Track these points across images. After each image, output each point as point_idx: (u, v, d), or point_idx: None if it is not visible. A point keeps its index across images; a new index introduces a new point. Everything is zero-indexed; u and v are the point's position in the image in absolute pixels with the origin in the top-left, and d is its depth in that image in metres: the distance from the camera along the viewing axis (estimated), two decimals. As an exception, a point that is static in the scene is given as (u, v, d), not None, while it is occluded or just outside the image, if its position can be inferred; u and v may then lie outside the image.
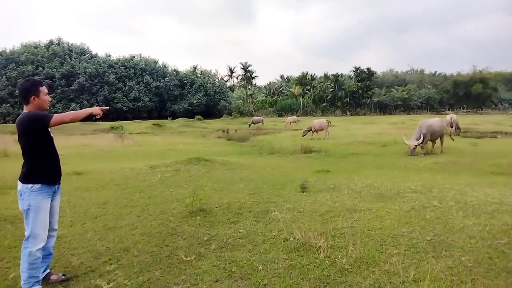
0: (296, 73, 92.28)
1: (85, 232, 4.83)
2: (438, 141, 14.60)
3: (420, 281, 3.18)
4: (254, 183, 7.98)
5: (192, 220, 5.24)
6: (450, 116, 24.01)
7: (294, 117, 40.20)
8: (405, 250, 3.87)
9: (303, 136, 21.73)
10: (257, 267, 3.63)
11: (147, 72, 63.13)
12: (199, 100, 64.20)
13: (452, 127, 23.01)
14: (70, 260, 3.92)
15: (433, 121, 14.49)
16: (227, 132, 33.65)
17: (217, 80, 72.36)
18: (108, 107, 3.61)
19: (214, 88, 66.94)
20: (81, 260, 3.92)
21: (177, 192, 7.13)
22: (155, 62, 67.93)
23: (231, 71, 79.61)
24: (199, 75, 71.06)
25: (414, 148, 13.40)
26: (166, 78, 65.24)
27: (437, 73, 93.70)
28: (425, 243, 4.07)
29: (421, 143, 13.52)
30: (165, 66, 69.60)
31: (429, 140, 14.09)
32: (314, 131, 21.56)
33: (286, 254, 3.91)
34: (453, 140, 16.09)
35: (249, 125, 38.29)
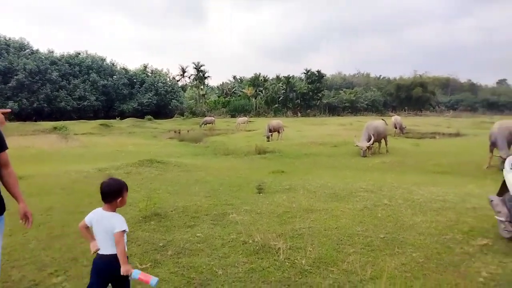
0: (248, 74, 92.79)
1: (27, 242, 4.45)
2: (382, 142, 15.39)
3: (377, 278, 3.29)
4: (210, 185, 7.86)
5: (146, 225, 5.03)
6: (395, 118, 25.40)
7: (245, 118, 40.35)
8: (361, 249, 3.99)
9: (268, 141, 20.20)
10: (216, 272, 3.55)
11: (94, 70, 60.11)
12: (150, 100, 62.27)
13: (396, 128, 24.34)
14: (9, 273, 3.58)
15: (378, 123, 15.28)
16: (179, 132, 32.95)
17: (168, 79, 70.63)
18: (9, 110, 3.29)
19: (165, 87, 65.26)
20: (23, 273, 3.60)
21: (129, 196, 6.70)
22: (103, 60, 64.89)
23: (183, 71, 78.26)
24: (150, 74, 68.95)
25: (366, 149, 13.96)
26: (115, 76, 62.52)
27: (381, 77, 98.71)
28: (379, 241, 4.22)
29: (371, 144, 14.14)
30: (113, 64, 66.69)
31: (375, 141, 14.78)
32: (273, 131, 21.64)
33: (246, 258, 3.86)
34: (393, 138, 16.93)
35: (201, 125, 37.90)
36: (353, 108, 74.26)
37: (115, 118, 48.16)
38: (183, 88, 77.02)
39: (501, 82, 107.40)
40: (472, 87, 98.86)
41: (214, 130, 35.44)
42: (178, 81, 76.54)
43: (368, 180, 8.05)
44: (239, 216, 5.32)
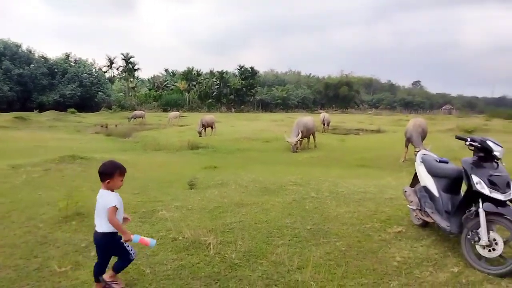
0: (181, 68, 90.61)
1: None
2: (311, 137, 16.09)
3: (303, 268, 3.42)
4: (138, 181, 7.55)
5: (66, 225, 4.69)
6: (323, 115, 26.67)
7: (177, 112, 39.49)
8: (289, 240, 4.13)
9: (200, 136, 19.96)
10: (144, 271, 3.42)
11: (7, 57, 54.36)
12: (73, 92, 57.94)
13: (324, 124, 25.56)
14: None
15: (307, 119, 15.95)
16: (106, 127, 31.19)
17: (94, 70, 66.33)
18: None
19: (90, 79, 61.18)
20: None
21: (47, 194, 6.30)
22: (18, 46, 58.90)
23: (111, 62, 74.10)
24: (73, 64, 64.11)
25: (295, 144, 14.45)
26: (32, 65, 57.15)
27: (311, 75, 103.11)
28: (306, 232, 4.40)
29: (301, 139, 14.69)
30: (30, 52, 60.90)
31: (304, 137, 15.40)
32: (206, 127, 21.41)
33: (175, 254, 3.78)
34: (321, 133, 17.73)
35: (130, 119, 36.30)
36: (285, 105, 76.45)
37: (33, 111, 44.03)
38: (111, 80, 72.91)
39: (416, 83, 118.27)
40: (392, 88, 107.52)
41: (144, 124, 34.14)
42: (105, 72, 72.26)
43: (297, 174, 8.33)
44: (169, 212, 5.18)
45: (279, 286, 3.15)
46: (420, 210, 4.34)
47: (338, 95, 79.75)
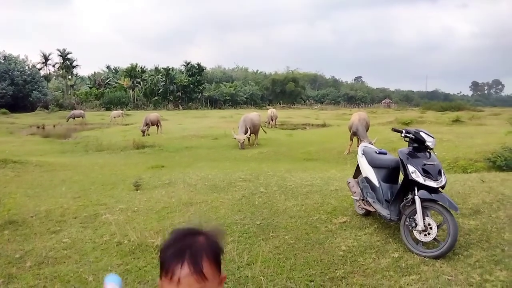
0: (124, 64, 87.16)
1: None
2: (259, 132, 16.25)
3: (253, 263, 3.43)
4: (79, 185, 7.14)
5: (-3, 236, 4.30)
6: (271, 111, 27.01)
7: (119, 111, 37.84)
8: (239, 237, 4.12)
9: (144, 135, 19.16)
10: (86, 279, 3.24)
11: None
12: (4, 91, 53.31)
13: (272, 120, 25.91)
14: None
15: (253, 115, 16.05)
16: (43, 128, 29.12)
17: (27, 67, 61.53)
18: None
19: (23, 76, 56.63)
20: None
21: (-26, 203, 5.74)
22: None
23: (46, 58, 68.94)
24: (3, 61, 58.98)
25: (243, 141, 14.47)
26: (-47, 62, 51.79)
27: (258, 72, 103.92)
28: (255, 227, 4.42)
29: (249, 136, 14.75)
30: (-50, 46, 54.98)
31: (252, 133, 15.50)
32: (151, 125, 20.72)
33: (120, 259, 3.62)
34: (265, 132, 17.63)
35: (68, 119, 34.31)
36: (233, 101, 76.37)
37: (-44, 112, 39.93)
38: (47, 77, 68.03)
39: (358, 79, 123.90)
40: (335, 83, 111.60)
41: (85, 124, 32.38)
42: (40, 69, 67.27)
43: (246, 170, 8.36)
44: (113, 216, 4.95)
45: (229, 283, 3.13)
46: (362, 200, 4.53)
47: (285, 91, 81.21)
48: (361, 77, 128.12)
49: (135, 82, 69.52)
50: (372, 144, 5.18)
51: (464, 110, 33.51)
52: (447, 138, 13.78)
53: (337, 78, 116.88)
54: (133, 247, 3.85)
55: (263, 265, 3.39)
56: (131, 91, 68.62)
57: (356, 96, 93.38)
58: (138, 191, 6.48)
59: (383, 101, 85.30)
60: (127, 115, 39.23)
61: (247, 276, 3.22)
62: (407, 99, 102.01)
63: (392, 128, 4.44)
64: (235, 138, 14.73)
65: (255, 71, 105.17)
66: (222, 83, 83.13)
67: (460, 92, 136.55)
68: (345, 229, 4.30)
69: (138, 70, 71.08)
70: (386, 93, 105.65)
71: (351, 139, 12.16)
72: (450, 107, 37.33)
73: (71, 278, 3.26)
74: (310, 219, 4.70)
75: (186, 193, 6.17)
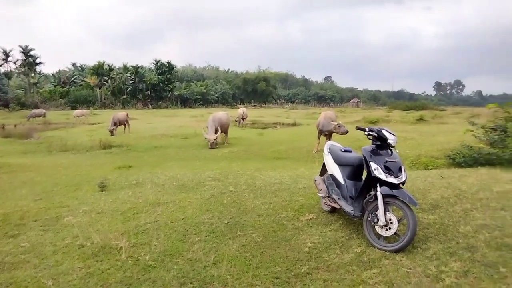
0: (91, 62, 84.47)
1: None
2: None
3: (219, 262, 3.43)
4: (41, 186, 6.87)
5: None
6: (242, 110, 27.01)
7: (83, 110, 36.67)
8: (206, 236, 4.11)
9: (112, 135, 18.56)
10: (45, 283, 3.13)
11: None
12: (-41, 88, 50.50)
13: (243, 119, 25.92)
14: None
15: (222, 114, 16.01)
16: (3, 127, 27.79)
17: (-15, 64, 58.43)
18: None
19: (-19, 73, 53.82)
20: None
21: None
22: None
23: (6, 55, 65.71)
24: (-42, 57, 55.71)
25: (214, 141, 14.38)
26: None
27: (230, 71, 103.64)
28: (223, 226, 4.42)
29: (219, 135, 14.68)
30: None
31: (221, 132, 15.44)
32: (119, 125, 20.18)
33: (82, 262, 3.52)
34: (239, 127, 17.95)
35: (28, 118, 32.96)
36: (204, 100, 75.73)
37: None
38: (8, 75, 64.92)
39: (327, 78, 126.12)
40: (306, 83, 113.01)
41: (49, 124, 31.15)
42: (-1, 66, 64.05)
43: (216, 169, 8.33)
44: (76, 218, 4.81)
45: (195, 283, 3.12)
46: (328, 197, 4.63)
47: (256, 90, 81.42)
48: (331, 76, 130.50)
49: (102, 80, 67.53)
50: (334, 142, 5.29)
51: (427, 110, 34.87)
52: (411, 137, 14.29)
53: (308, 78, 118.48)
54: (96, 250, 3.75)
55: (229, 263, 3.40)
56: (98, 89, 66.62)
57: (326, 95, 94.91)
58: (104, 192, 6.32)
59: (352, 101, 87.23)
60: (94, 114, 38.09)
61: (213, 276, 3.21)
62: (374, 98, 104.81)
63: (356, 127, 4.55)
64: (205, 138, 14.64)
65: (226, 70, 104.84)
66: (193, 82, 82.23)
67: (424, 92, 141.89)
68: (311, 226, 4.37)
69: (106, 68, 69.11)
70: (354, 93, 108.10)
71: (319, 138, 12.36)
72: (414, 106, 38.72)
73: (29, 284, 3.14)
74: (277, 216, 4.75)
75: (154, 193, 6.07)
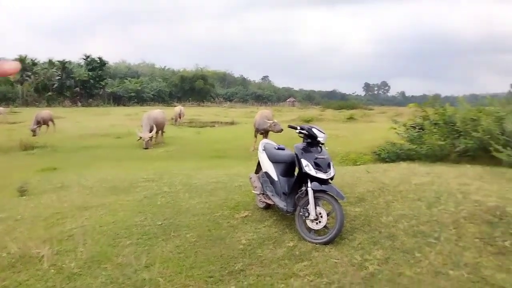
0: (11, 55, 76.95)
1: None
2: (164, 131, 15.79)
3: (152, 265, 3.33)
4: None
5: None
6: (179, 108, 26.46)
7: (0, 108, 33.43)
8: (138, 239, 3.96)
9: (34, 135, 16.89)
10: (-50, 302, 2.80)
11: None
12: None
13: (180, 118, 25.42)
14: None
15: (157, 112, 15.55)
16: None
17: None
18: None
19: None
20: None
21: None
22: None
23: None
24: None
25: (149, 140, 13.88)
26: None
27: (166, 68, 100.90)
28: (156, 228, 4.30)
29: (154, 134, 14.22)
30: None
31: (157, 131, 14.99)
32: (43, 124, 18.57)
33: (-4, 275, 3.21)
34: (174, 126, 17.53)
35: None
36: (139, 98, 72.90)
37: None
38: None
39: (265, 78, 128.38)
40: (244, 82, 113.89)
41: (-40, 123, 27.85)
42: None
43: (150, 170, 8.08)
44: (-10, 226, 4.37)
45: (125, 288, 3.00)
46: (263, 194, 4.72)
47: (194, 88, 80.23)
48: (268, 76, 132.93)
49: (24, 75, 61.96)
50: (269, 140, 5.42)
51: (357, 109, 37.09)
52: (342, 134, 15.09)
53: (246, 77, 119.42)
54: (14, 260, 3.45)
55: (162, 265, 3.32)
56: (19, 85, 61.00)
57: (264, 94, 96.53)
58: (24, 197, 5.82)
59: (288, 100, 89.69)
60: (14, 112, 34.88)
61: (145, 279, 3.12)
62: (309, 98, 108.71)
63: (288, 125, 4.70)
64: (140, 137, 14.09)
65: (162, 67, 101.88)
66: (127, 79, 78.72)
67: (355, 92, 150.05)
68: (246, 223, 4.42)
69: (28, 63, 63.46)
70: (291, 92, 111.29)
71: (255, 136, 12.54)
72: (346, 106, 40.93)
73: None
74: (213, 215, 4.73)
75: (81, 197, 5.73)
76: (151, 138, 13.97)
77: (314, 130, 4.17)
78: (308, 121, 21.68)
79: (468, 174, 5.78)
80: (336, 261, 3.34)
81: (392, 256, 3.37)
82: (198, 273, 3.21)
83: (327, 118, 25.65)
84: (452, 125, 7.83)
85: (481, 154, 7.18)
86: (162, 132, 15.50)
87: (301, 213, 3.98)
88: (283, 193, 4.42)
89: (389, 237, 3.73)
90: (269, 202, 4.58)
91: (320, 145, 4.22)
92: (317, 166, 3.96)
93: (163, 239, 3.97)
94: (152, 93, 76.31)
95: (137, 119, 25.19)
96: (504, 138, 6.94)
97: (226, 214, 4.78)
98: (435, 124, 8.20)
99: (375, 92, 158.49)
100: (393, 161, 8.26)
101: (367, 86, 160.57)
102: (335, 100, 66.08)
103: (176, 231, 4.20)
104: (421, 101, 10.31)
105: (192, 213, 4.83)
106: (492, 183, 5.20)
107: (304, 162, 3.99)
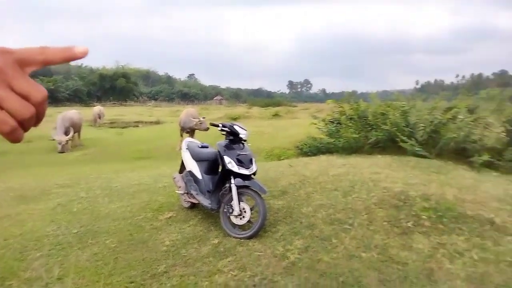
0: None
1: None
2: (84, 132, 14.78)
3: (65, 277, 3.10)
4: None
5: None
6: (99, 108, 24.91)
7: None
8: (49, 250, 3.66)
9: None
10: None
11: None
12: None
13: (99, 118, 23.96)
14: None
15: (73, 113, 14.48)
16: None
17: None
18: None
19: None
20: None
21: None
22: None
23: None
24: None
25: (65, 143, 12.84)
26: None
27: (83, 66, 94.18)
28: (71, 237, 4.00)
29: (71, 137, 13.20)
30: None
31: (74, 133, 13.96)
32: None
33: None
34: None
35: None
36: (53, 98, 66.98)
37: None
38: None
39: (191, 76, 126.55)
40: (169, 80, 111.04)
41: None
42: None
43: (65, 175, 7.50)
44: None
45: (34, 305, 2.75)
46: (187, 193, 4.66)
47: (115, 87, 76.03)
48: (194, 74, 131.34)
49: None
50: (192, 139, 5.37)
51: (282, 106, 38.27)
52: (267, 131, 15.48)
53: (171, 75, 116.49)
54: None
55: (77, 276, 3.11)
56: None
57: (190, 93, 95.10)
58: None
59: (215, 98, 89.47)
60: None
61: (57, 292, 2.89)
62: (236, 96, 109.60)
63: (210, 123, 4.69)
64: (54, 139, 12.94)
65: (79, 65, 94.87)
66: (38, 77, 71.95)
67: (280, 90, 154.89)
68: (170, 224, 4.33)
69: None
70: (218, 90, 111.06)
71: (181, 135, 12.32)
72: (271, 103, 42.15)
73: None
74: (135, 219, 4.55)
75: (-18, 209, 5.11)
76: (67, 141, 12.94)
77: (236, 127, 4.21)
78: (235, 119, 21.86)
79: (379, 164, 6.30)
80: (259, 253, 3.42)
81: (312, 244, 3.55)
82: (117, 280, 3.07)
83: (253, 115, 26.10)
84: (365, 119, 8.46)
85: (390, 145, 7.87)
86: (79, 134, 14.47)
87: (225, 210, 4.00)
88: (208, 191, 4.41)
89: (309, 227, 3.92)
90: (194, 201, 4.53)
91: (243, 141, 4.28)
92: (239, 162, 4.02)
93: (79, 247, 3.72)
94: (68, 92, 70.77)
95: (51, 121, 23.16)
96: (408, 130, 7.69)
97: (149, 216, 4.62)
98: (351, 118, 8.79)
99: (299, 90, 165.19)
100: (314, 154, 8.69)
101: (291, 84, 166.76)
102: (261, 98, 67.64)
103: (94, 238, 3.95)
104: (340, 97, 10.96)
105: (112, 218, 4.59)
106: (399, 171, 5.74)
107: (227, 159, 4.01)
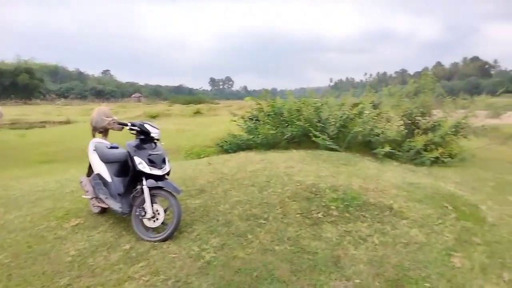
0: None
1: None
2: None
3: None
4: None
5: None
6: (-5, 107, 22.19)
7: None
8: None
9: None
10: None
11: None
12: None
13: (-2, 119, 21.36)
14: None
15: None
16: None
17: None
18: None
19: None
20: None
21: None
22: None
23: None
24: None
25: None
26: None
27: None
28: (-46, 255, 3.48)
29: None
30: None
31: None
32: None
33: None
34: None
35: None
36: None
37: None
38: None
39: (106, 72, 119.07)
40: (81, 76, 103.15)
41: None
42: None
43: (-50, 184, 6.52)
44: None
45: None
46: (96, 198, 4.35)
47: (17, 83, 68.29)
48: (109, 70, 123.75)
49: None
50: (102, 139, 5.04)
51: (204, 103, 38.04)
52: (189, 129, 15.24)
53: (83, 71, 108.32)
54: None
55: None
56: None
57: (105, 90, 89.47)
58: None
59: (133, 96, 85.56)
60: None
61: None
62: (156, 93, 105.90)
63: (118, 122, 4.43)
64: None
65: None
66: None
67: (202, 87, 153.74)
68: (77, 232, 4.00)
69: None
70: (136, 88, 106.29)
71: (94, 136, 11.50)
72: (193, 100, 41.59)
73: None
74: (35, 229, 4.12)
75: None
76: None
77: (147, 126, 4.04)
78: (154, 117, 21.16)
79: (294, 158, 6.56)
80: (174, 256, 3.32)
81: (228, 242, 3.56)
82: (11, 299, 2.74)
83: (174, 113, 25.50)
84: (281, 116, 8.74)
85: (304, 140, 8.24)
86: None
87: (137, 213, 3.82)
88: (119, 194, 4.17)
89: (225, 224, 3.92)
90: (104, 206, 4.25)
91: (155, 141, 4.12)
92: (151, 162, 3.86)
93: (-37, 267, 3.25)
94: (-43, 89, 61.91)
95: None
96: (320, 125, 8.13)
97: (52, 225, 4.22)
98: (268, 115, 9.01)
99: (221, 87, 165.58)
100: (234, 151, 8.74)
101: (212, 81, 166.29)
102: (182, 95, 66.27)
103: (-17, 255, 3.49)
104: (261, 94, 11.12)
105: (7, 230, 4.10)
106: (312, 164, 6.04)
107: (137, 159, 3.83)
